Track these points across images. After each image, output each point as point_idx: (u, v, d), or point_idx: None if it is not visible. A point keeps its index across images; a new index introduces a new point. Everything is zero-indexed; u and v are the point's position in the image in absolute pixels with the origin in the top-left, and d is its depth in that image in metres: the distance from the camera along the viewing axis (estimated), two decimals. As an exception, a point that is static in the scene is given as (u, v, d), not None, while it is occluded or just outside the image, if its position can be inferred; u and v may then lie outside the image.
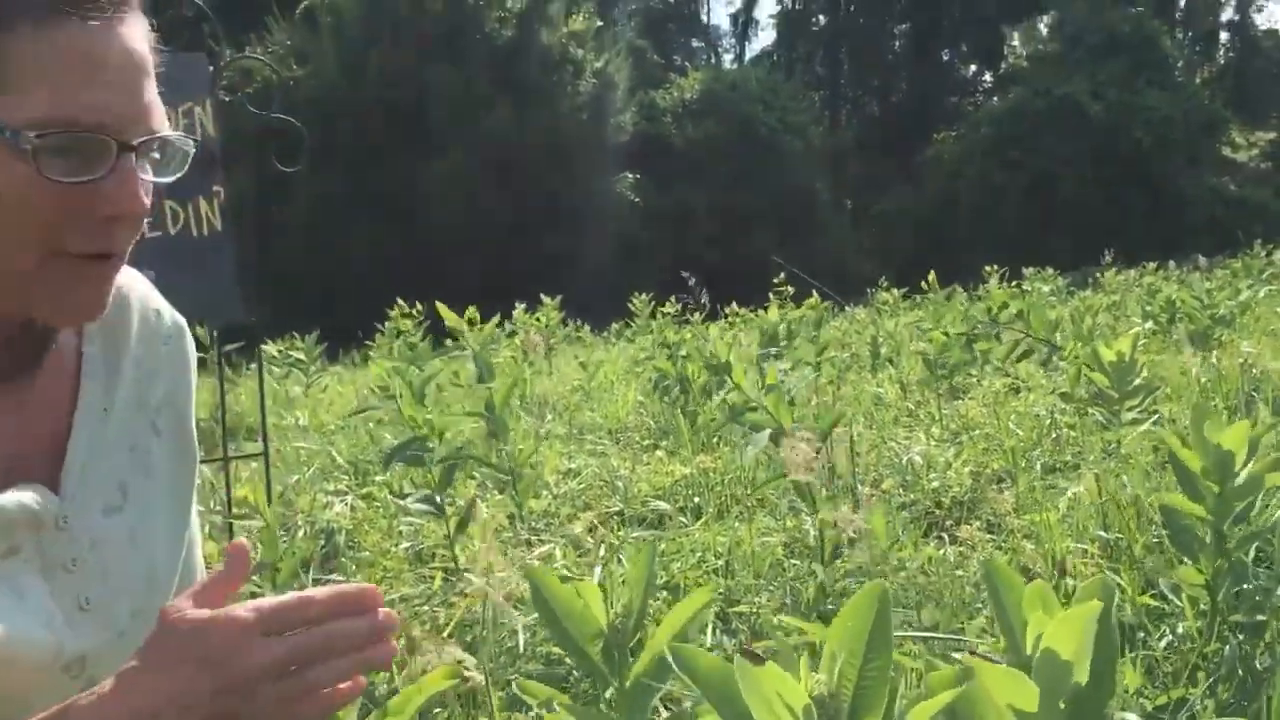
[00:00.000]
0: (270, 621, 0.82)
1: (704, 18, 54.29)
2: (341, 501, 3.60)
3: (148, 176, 0.91)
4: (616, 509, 3.34)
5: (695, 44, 53.13)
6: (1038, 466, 3.46)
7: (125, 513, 1.03)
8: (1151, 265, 12.47)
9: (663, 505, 3.33)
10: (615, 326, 11.86)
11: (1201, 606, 1.85)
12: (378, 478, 4.04)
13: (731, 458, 3.80)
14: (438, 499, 2.71)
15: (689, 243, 27.75)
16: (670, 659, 0.72)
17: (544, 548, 2.89)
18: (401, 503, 2.92)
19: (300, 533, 3.14)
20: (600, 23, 30.31)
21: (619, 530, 3.10)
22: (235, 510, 3.00)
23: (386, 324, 9.47)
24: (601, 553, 2.78)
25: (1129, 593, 2.04)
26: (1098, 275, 12.32)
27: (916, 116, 41.39)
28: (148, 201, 0.91)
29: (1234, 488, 1.71)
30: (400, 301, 8.84)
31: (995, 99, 38.42)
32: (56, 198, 0.85)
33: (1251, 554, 1.88)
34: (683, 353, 5.72)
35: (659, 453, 4.18)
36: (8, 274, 0.88)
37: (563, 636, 1.04)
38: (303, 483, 3.94)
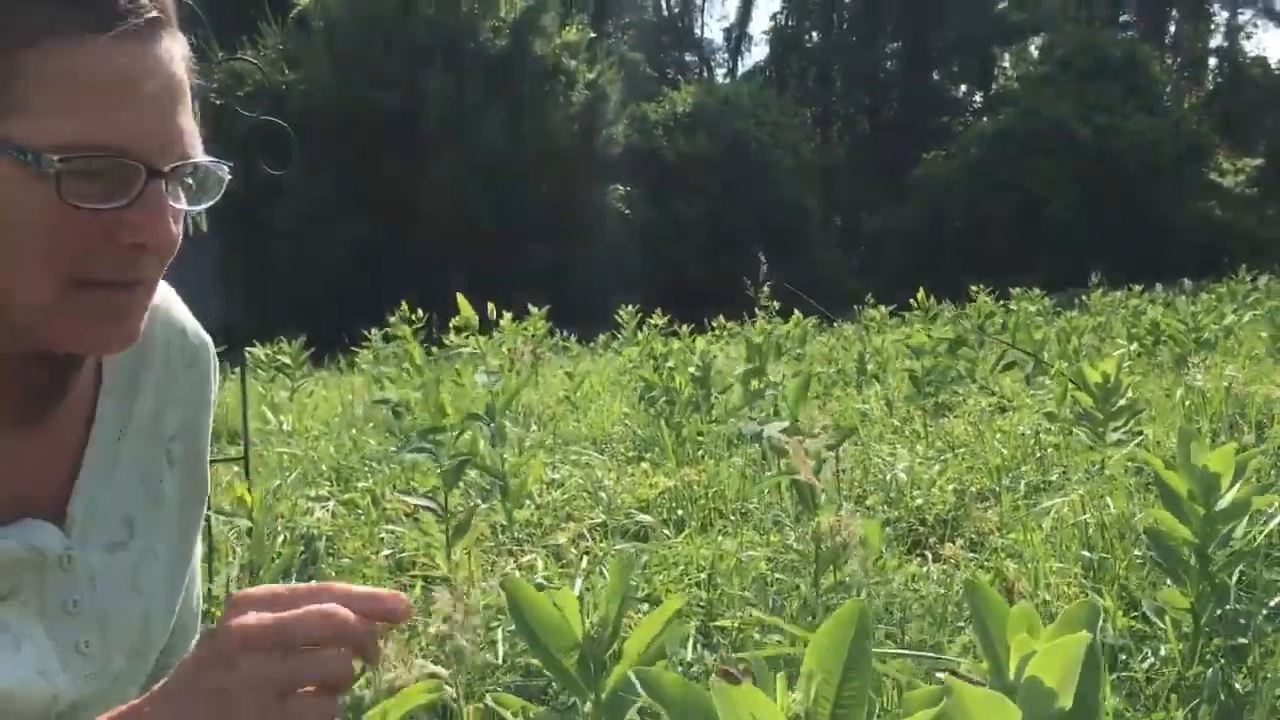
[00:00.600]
0: (267, 600, 0.76)
1: (697, 31, 54.54)
2: (323, 507, 3.58)
3: (179, 205, 0.86)
4: (599, 520, 3.32)
5: (688, 58, 53.27)
6: (1022, 486, 3.46)
7: (129, 550, 0.98)
8: (1137, 288, 12.53)
9: (646, 518, 3.32)
10: (602, 338, 11.85)
11: (1184, 629, 1.85)
12: (360, 484, 4.01)
13: (715, 471, 3.78)
14: (441, 500, 2.69)
15: (678, 255, 27.79)
16: (635, 681, 0.70)
17: (526, 558, 2.88)
18: (405, 499, 2.90)
19: (280, 538, 3.11)
20: (593, 34, 30.38)
21: (602, 542, 3.08)
22: (220, 511, 2.98)
23: (374, 329, 9.44)
24: (584, 564, 2.76)
25: (1111, 614, 2.03)
26: (1084, 297, 12.37)
27: (907, 135, 41.55)
28: (178, 230, 0.87)
29: (1219, 510, 1.71)
30: (403, 305, 8.81)
31: (985, 120, 38.58)
32: (79, 225, 0.81)
33: (1235, 577, 1.88)
34: (669, 364, 5.71)
35: (643, 465, 4.16)
36: (28, 306, 0.83)
37: (539, 648, 1.02)
38: (284, 488, 3.91)
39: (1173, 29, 45.99)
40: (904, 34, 45.50)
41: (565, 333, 11.14)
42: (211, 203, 0.90)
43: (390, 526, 3.20)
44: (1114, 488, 3.02)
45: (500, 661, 2.07)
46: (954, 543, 2.66)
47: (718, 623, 2.31)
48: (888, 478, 3.55)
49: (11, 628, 0.88)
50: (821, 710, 0.67)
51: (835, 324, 10.49)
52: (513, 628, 2.11)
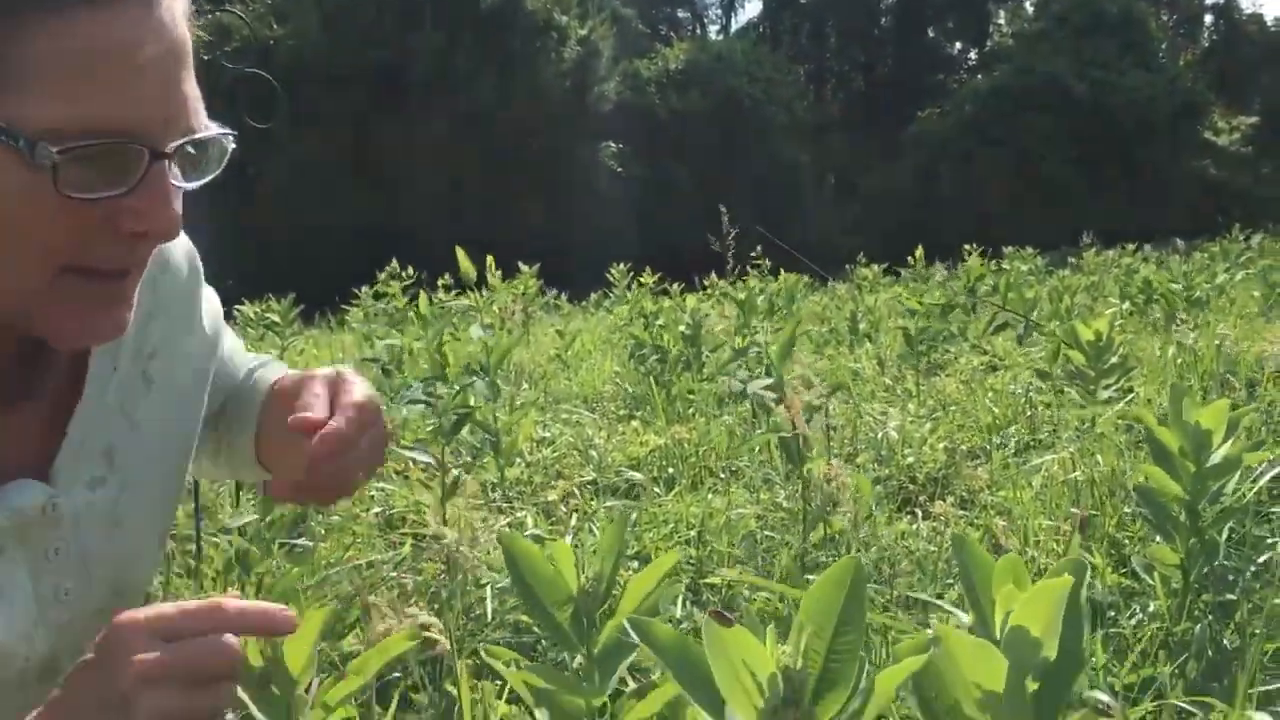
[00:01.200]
0: (166, 623, 0.73)
1: (690, -13, 53.89)
2: (313, 465, 3.57)
3: (180, 183, 0.79)
4: (590, 478, 3.32)
5: (681, 14, 52.83)
6: (1012, 444, 3.47)
7: (109, 485, 0.93)
8: (1130, 247, 12.52)
9: (636, 475, 3.32)
10: (594, 296, 11.82)
11: (1173, 585, 1.85)
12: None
13: (706, 429, 3.78)
14: (440, 453, 2.68)
15: (670, 213, 27.69)
16: (631, 631, 0.69)
17: (517, 515, 2.88)
18: (403, 452, 2.90)
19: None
20: (585, -11, 30.09)
21: (592, 499, 3.08)
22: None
23: (364, 288, 9.39)
24: (573, 521, 2.76)
25: (1101, 570, 2.03)
26: (1077, 256, 12.36)
27: (901, 92, 41.34)
28: (179, 212, 0.80)
29: (1210, 467, 1.71)
30: (393, 262, 8.76)
31: (980, 76, 38.37)
32: (76, 214, 0.74)
33: (1225, 534, 1.88)
34: (660, 323, 5.70)
35: (634, 423, 4.16)
36: (15, 293, 0.78)
37: (533, 602, 1.02)
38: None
39: (1169, -15, 45.66)
40: (899, -10, 45.13)
41: (556, 291, 11.11)
42: (213, 176, 0.83)
43: (379, 484, 3.20)
44: (1104, 445, 3.02)
45: (489, 618, 2.07)
46: (944, 500, 2.65)
47: (708, 580, 2.31)
48: (879, 436, 3.55)
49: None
50: (813, 662, 0.66)
51: (828, 282, 10.47)
52: (502, 585, 2.11)
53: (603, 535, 1.02)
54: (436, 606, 2.08)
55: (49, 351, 0.90)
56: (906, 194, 33.74)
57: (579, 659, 1.01)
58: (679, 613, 2.07)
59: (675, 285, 8.64)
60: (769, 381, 2.84)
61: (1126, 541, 2.32)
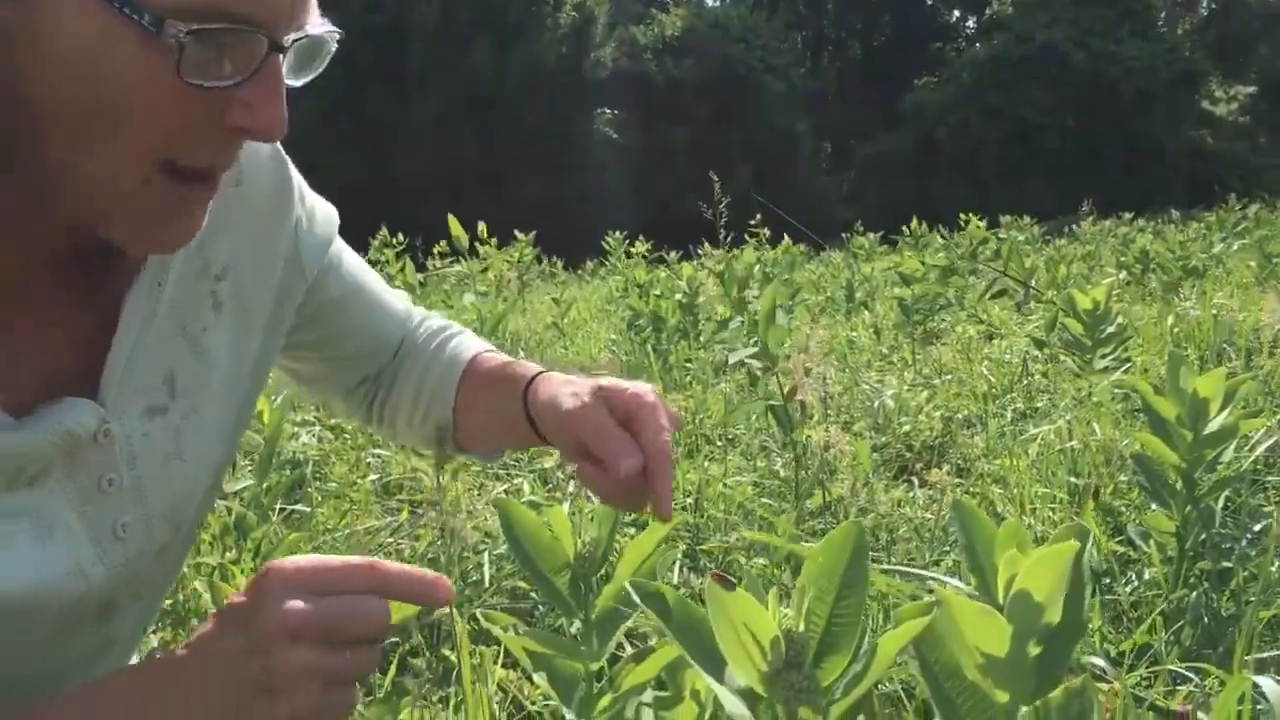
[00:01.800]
0: (320, 576, 0.71)
1: (687, -47, 53.40)
2: (309, 433, 3.56)
3: (290, 80, 0.74)
4: (587, 445, 3.32)
5: (678, -20, 52.34)
6: (1009, 412, 3.47)
7: (170, 414, 0.86)
8: (1127, 216, 12.50)
9: (633, 443, 3.31)
10: (590, 265, 11.78)
11: (1169, 553, 1.86)
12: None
13: (703, 397, 3.78)
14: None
15: (667, 180, 27.58)
16: (632, 592, 0.69)
17: (514, 482, 2.88)
18: None
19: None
20: (582, -46, 29.81)
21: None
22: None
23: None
24: (571, 488, 2.76)
25: (1096, 538, 2.04)
26: (1074, 225, 12.35)
27: (899, 61, 41.11)
28: (286, 112, 0.73)
29: (1207, 435, 1.71)
30: (383, 230, 8.72)
31: (978, 45, 38.15)
32: (187, 101, 0.68)
33: (1221, 502, 1.89)
34: (656, 291, 5.69)
35: (631, 391, 4.15)
36: (98, 184, 0.70)
37: (530, 567, 1.02)
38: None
39: (1169, -47, 45.32)
40: (897, -44, 44.76)
41: (552, 259, 11.07)
42: (313, 77, 0.78)
43: (377, 451, 3.19)
44: (1100, 414, 3.02)
45: (487, 584, 2.07)
46: (940, 468, 2.66)
47: (704, 547, 2.32)
48: (875, 404, 3.55)
49: (41, 516, 0.78)
50: (815, 626, 0.66)
51: (824, 251, 10.46)
52: (499, 552, 2.12)
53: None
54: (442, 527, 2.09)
55: (107, 258, 0.82)
56: (904, 162, 33.63)
57: (576, 624, 1.01)
58: (676, 579, 2.07)
59: (673, 253, 8.62)
60: (754, 350, 2.84)
61: (1123, 510, 2.32)
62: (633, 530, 2.42)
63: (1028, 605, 0.74)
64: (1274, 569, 1.69)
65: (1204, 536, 1.79)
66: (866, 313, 6.39)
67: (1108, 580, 1.90)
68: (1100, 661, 1.41)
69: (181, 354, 0.87)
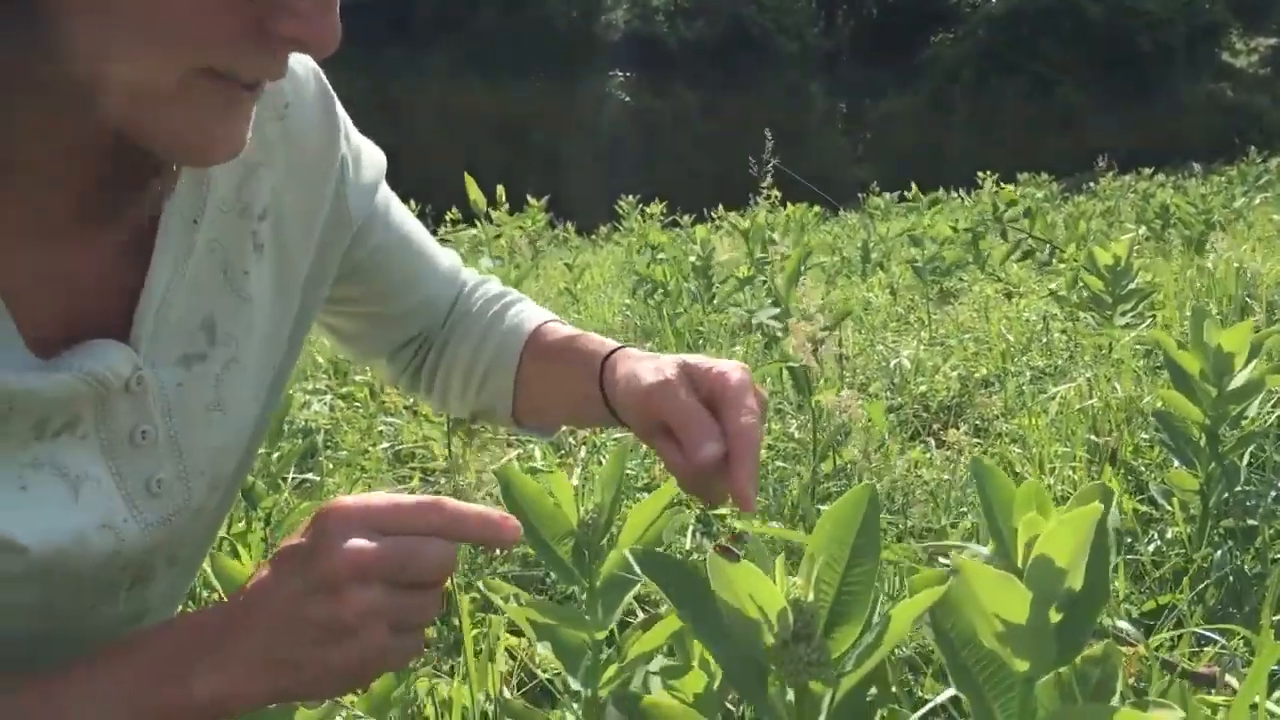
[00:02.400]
0: (385, 515, 0.67)
1: (698, -88, 52.79)
2: (320, 401, 3.55)
3: None
4: (600, 410, 3.30)
5: (689, -61, 51.78)
6: (1027, 371, 3.42)
7: (209, 361, 0.81)
8: (1147, 171, 12.35)
9: (647, 407, 3.29)
10: (603, 229, 11.72)
11: (1192, 511, 1.82)
12: (357, 377, 3.98)
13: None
14: None
15: (680, 142, 27.41)
16: (631, 560, 0.66)
17: (526, 448, 2.85)
18: None
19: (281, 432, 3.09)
20: (591, -85, 29.53)
21: (601, 432, 3.06)
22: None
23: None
24: (583, 454, 2.74)
25: (1118, 497, 2.00)
26: (1093, 182, 12.20)
27: (913, 19, 40.58)
28: (339, 23, 0.68)
29: (1232, 390, 1.66)
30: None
31: (994, 1, 37.63)
32: (235, 8, 0.63)
33: (1245, 459, 1.84)
34: (662, 256, 5.65)
35: (644, 355, 4.13)
36: (137, 89, 0.63)
37: (533, 536, 0.99)
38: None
39: (1189, -98, 44.50)
40: (911, -89, 44.10)
41: (565, 223, 11.01)
42: None
43: (388, 419, 3.18)
44: (1122, 371, 2.97)
45: (498, 552, 2.05)
46: (957, 429, 2.62)
47: (717, 511, 2.29)
48: (891, 365, 3.51)
49: (68, 469, 0.73)
50: (825, 595, 0.63)
51: (839, 212, 10.37)
52: (511, 518, 2.09)
53: (605, 466, 0.99)
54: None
55: (141, 191, 0.76)
56: (919, 121, 33.31)
57: (583, 592, 0.99)
58: (688, 544, 2.05)
59: (686, 216, 8.55)
60: (775, 311, 2.80)
61: (1144, 468, 2.28)
62: (644, 496, 2.40)
63: (1049, 571, 0.71)
64: (1301, 527, 1.66)
65: (1228, 494, 1.74)
66: (882, 273, 6.32)
67: (1129, 539, 1.86)
68: (1124, 624, 1.38)
69: (223, 297, 0.82)
